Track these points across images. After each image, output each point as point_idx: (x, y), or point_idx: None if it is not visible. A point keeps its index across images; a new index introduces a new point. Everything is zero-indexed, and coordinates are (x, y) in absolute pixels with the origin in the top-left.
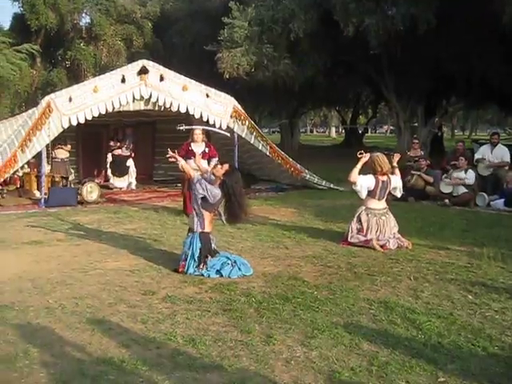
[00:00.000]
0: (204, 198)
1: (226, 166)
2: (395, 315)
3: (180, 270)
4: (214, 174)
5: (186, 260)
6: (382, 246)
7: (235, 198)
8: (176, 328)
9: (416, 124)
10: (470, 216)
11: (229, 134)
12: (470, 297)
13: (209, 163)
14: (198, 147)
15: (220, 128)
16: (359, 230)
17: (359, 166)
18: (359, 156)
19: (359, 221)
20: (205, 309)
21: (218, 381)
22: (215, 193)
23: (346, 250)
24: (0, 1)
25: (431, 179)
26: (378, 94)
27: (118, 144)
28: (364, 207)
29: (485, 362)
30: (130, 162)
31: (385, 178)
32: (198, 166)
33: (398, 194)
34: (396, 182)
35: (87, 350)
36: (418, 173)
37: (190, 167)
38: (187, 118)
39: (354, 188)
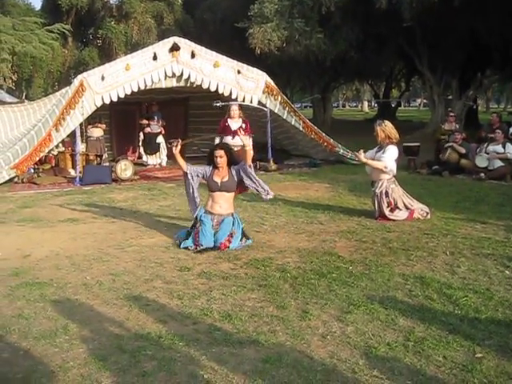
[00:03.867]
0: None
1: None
2: (431, 290)
3: (223, 247)
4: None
5: (232, 237)
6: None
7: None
8: (212, 304)
9: (450, 97)
10: (506, 190)
11: (265, 109)
12: (507, 272)
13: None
14: (235, 123)
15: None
16: (389, 204)
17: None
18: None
19: (387, 195)
20: (240, 284)
21: (254, 356)
22: (201, 170)
23: (381, 225)
24: None
25: (463, 150)
26: (411, 67)
27: (147, 122)
28: (388, 178)
29: None
30: (161, 139)
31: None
32: (176, 155)
33: None
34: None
35: (125, 326)
36: (451, 144)
37: (182, 160)
38: (220, 94)
39: (387, 171)
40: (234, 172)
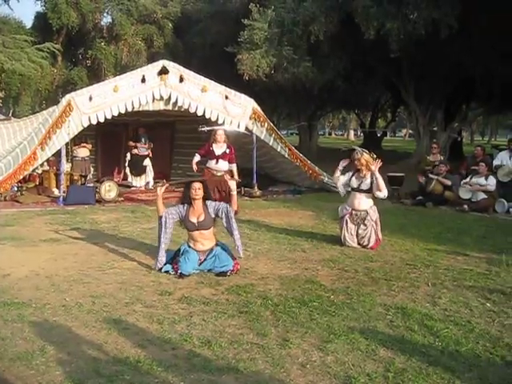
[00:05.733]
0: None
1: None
2: (412, 321)
3: (235, 270)
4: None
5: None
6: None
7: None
8: (192, 329)
9: (435, 128)
10: (488, 222)
11: (248, 133)
12: (489, 304)
13: (229, 164)
14: (220, 148)
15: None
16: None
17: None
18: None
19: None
20: (221, 310)
21: (233, 383)
22: (175, 212)
23: (364, 255)
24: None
25: (449, 182)
26: (398, 97)
27: (133, 144)
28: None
29: (503, 371)
30: (148, 162)
31: None
32: (158, 196)
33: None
34: None
35: (103, 349)
36: (436, 177)
37: (161, 204)
38: (206, 118)
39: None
40: (210, 209)
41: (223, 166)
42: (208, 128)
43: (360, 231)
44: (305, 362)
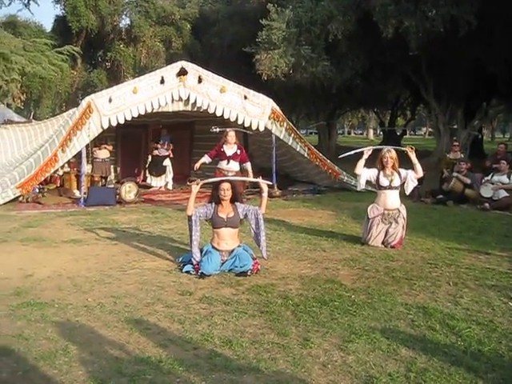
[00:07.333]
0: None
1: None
2: (434, 321)
3: (255, 269)
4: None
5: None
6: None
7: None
8: (213, 329)
9: (455, 126)
10: (510, 221)
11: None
12: (511, 304)
13: (240, 165)
14: (231, 149)
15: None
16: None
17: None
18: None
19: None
20: (242, 310)
21: (254, 383)
22: (203, 211)
23: (384, 254)
24: (42, 3)
25: (468, 180)
26: (417, 96)
27: (156, 145)
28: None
29: None
30: (167, 162)
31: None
32: (193, 194)
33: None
34: None
35: (125, 349)
36: (456, 174)
37: (193, 203)
38: (225, 119)
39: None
40: (240, 210)
41: (234, 166)
42: (219, 129)
43: (391, 230)
44: (326, 362)
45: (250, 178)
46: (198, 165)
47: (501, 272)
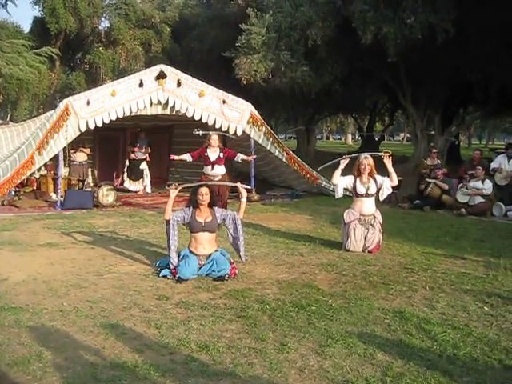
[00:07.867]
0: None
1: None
2: (410, 325)
3: (233, 274)
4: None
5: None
6: None
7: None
8: (190, 334)
9: (433, 132)
10: (486, 226)
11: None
12: (486, 308)
13: (232, 162)
14: (214, 153)
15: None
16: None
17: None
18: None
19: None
20: (219, 315)
21: None
22: (181, 215)
23: (361, 259)
24: (20, 4)
25: (446, 186)
26: (395, 101)
27: (135, 149)
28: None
29: (501, 375)
30: (144, 166)
31: None
32: (171, 198)
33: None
34: None
35: (100, 354)
36: (434, 180)
37: (171, 207)
38: (203, 122)
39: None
40: (217, 214)
41: (220, 170)
42: (202, 132)
43: (369, 235)
44: (303, 367)
45: (229, 183)
46: (176, 157)
47: (476, 277)
